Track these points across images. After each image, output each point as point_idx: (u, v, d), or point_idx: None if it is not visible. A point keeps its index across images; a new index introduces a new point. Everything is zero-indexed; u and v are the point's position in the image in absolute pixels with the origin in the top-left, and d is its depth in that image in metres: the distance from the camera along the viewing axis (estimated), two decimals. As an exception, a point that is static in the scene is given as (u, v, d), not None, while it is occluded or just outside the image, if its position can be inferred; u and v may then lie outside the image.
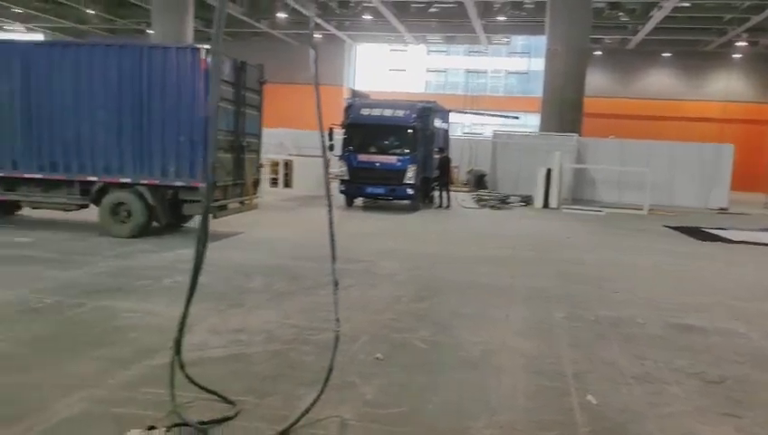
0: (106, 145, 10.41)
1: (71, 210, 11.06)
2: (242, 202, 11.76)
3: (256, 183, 12.29)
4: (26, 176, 10.67)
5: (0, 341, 5.07)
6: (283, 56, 36.97)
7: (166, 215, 10.71)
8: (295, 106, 36.32)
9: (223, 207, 10.98)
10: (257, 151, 12.18)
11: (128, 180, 10.43)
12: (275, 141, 23.05)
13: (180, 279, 7.22)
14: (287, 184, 21.17)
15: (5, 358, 4.73)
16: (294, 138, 25.17)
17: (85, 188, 10.63)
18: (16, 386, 4.23)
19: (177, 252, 9.33)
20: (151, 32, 35.88)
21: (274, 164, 20.72)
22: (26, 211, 11.96)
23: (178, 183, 10.34)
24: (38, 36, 41.00)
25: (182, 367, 3.99)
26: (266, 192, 17.56)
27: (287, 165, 21.27)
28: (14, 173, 10.68)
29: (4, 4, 32.59)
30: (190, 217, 11.14)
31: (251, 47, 36.44)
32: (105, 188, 10.54)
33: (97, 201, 10.65)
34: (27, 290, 6.69)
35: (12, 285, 6.90)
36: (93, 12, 33.60)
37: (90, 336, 5.37)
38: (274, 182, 20.40)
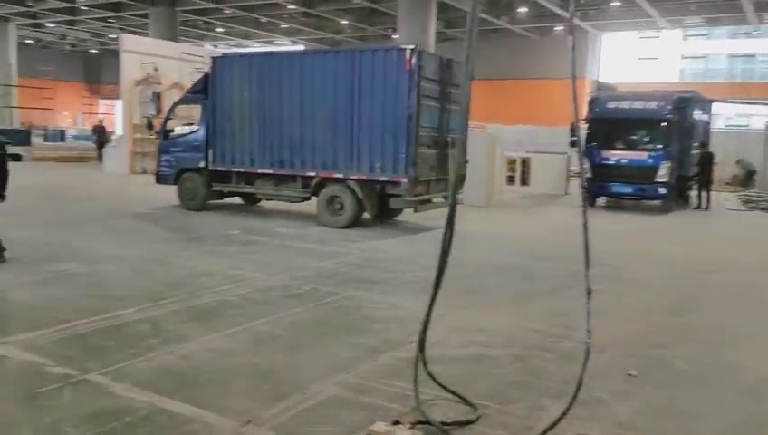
0: (323, 143, 11.32)
1: (295, 202, 12.18)
2: (446, 197, 11.67)
3: (462, 178, 12.30)
4: (260, 171, 12.05)
5: (266, 323, 5.61)
6: (522, 52, 36.46)
7: (374, 208, 11.33)
8: (532, 102, 35.78)
9: (426, 202, 11.39)
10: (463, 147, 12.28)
11: (340, 175, 11.21)
12: (513, 139, 22.72)
13: (421, 275, 7.38)
14: (524, 182, 20.70)
15: (271, 339, 5.22)
16: (531, 134, 24.54)
17: (306, 182, 11.66)
18: (280, 366, 4.63)
19: (417, 248, 9.61)
20: (396, 36, 38.13)
21: (511, 162, 20.39)
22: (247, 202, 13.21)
23: (383, 178, 10.88)
24: (300, 48, 46.01)
25: (425, 364, 4.00)
26: (503, 190, 17.38)
27: (524, 162, 20.80)
28: (251, 169, 12.13)
29: (274, 21, 36.89)
30: (399, 211, 11.79)
31: (489, 44, 36.67)
32: (322, 183, 11.46)
33: (315, 194, 11.61)
34: (288, 277, 7.38)
35: (275, 271, 7.67)
36: (347, 22, 36.43)
37: (343, 323, 5.72)
38: (511, 180, 20.07)
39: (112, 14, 34.71)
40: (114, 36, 35.35)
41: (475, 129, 27.52)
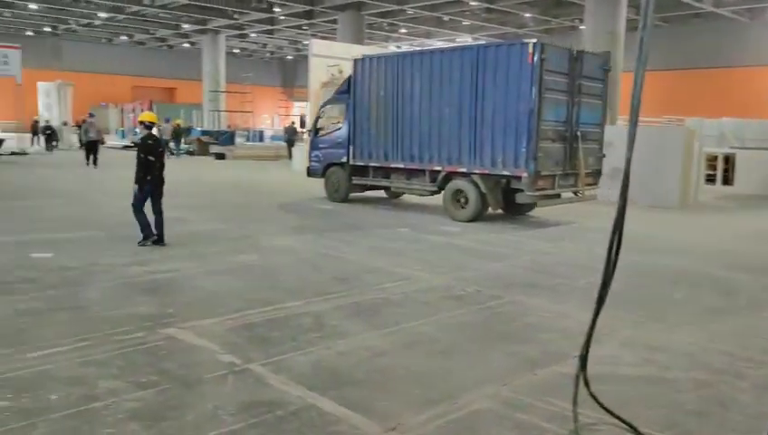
0: (449, 138, 11.69)
1: (425, 195, 12.68)
2: (576, 193, 11.76)
3: (596, 174, 12.00)
4: (393, 166, 12.71)
5: (425, 324, 5.51)
6: (728, 37, 32.72)
7: (498, 202, 11.53)
8: (738, 92, 31.93)
9: (553, 196, 11.51)
10: (598, 141, 12.02)
11: (464, 170, 11.51)
12: (715, 133, 20.47)
13: (596, 281, 6.80)
14: (726, 181, 18.55)
15: (428, 341, 5.10)
16: (737, 128, 21.90)
17: (433, 176, 12.06)
18: (433, 370, 4.49)
19: (595, 252, 8.94)
20: (583, 27, 36.26)
21: (711, 158, 18.38)
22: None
23: (505, 172, 11.02)
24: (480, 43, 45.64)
25: (587, 384, 3.61)
26: (701, 190, 15.70)
27: (727, 159, 18.63)
28: (385, 163, 12.85)
29: (456, 18, 36.94)
30: (530, 206, 11.94)
31: (689, 30, 33.39)
32: (448, 177, 11.81)
33: (442, 188, 11.98)
34: (452, 277, 7.22)
35: (440, 270, 7.55)
36: (530, 15, 35.38)
37: (504, 330, 5.44)
38: (710, 179, 18.08)
39: (305, 21, 37.10)
40: (307, 42, 37.84)
41: (671, 122, 25.31)
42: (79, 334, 4.90)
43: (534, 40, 10.77)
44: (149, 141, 8.55)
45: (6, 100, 32.47)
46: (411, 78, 12.22)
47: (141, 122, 8.84)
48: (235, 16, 37.28)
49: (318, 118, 14.85)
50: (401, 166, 12.57)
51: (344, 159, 13.59)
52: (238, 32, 42.16)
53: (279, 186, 16.55)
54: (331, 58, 22.09)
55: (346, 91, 13.67)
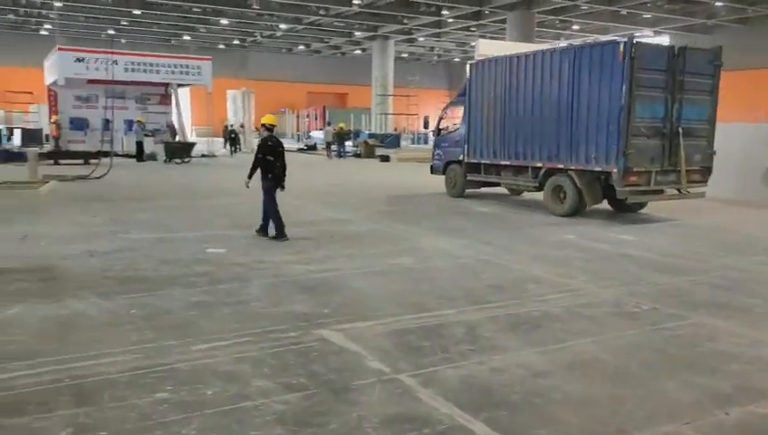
0: (548, 136, 12.15)
1: (530, 191, 13.34)
2: (679, 190, 11.60)
3: (704, 171, 11.81)
4: (501, 163, 13.41)
5: (590, 343, 4.98)
6: None
7: (595, 198, 11.74)
8: None
9: (651, 193, 11.56)
10: (706, 138, 11.75)
11: (561, 166, 11.90)
12: None
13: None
14: None
15: (593, 363, 4.59)
16: None
17: (535, 173, 12.56)
18: (599, 398, 4.00)
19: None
20: (786, 14, 32.14)
21: None
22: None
23: (597, 168, 11.29)
24: (663, 39, 42.18)
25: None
26: None
27: None
28: (494, 161, 13.57)
29: (635, 11, 34.51)
30: (639, 205, 12.27)
31: None
32: (548, 173, 12.25)
33: (543, 184, 12.41)
34: (623, 291, 6.54)
35: (608, 283, 6.89)
36: (722, 4, 32.06)
37: (685, 357, 4.75)
38: None
39: (473, 22, 36.81)
40: (474, 44, 37.62)
41: None
42: (239, 330, 5.05)
43: (626, 39, 10.94)
44: (269, 142, 9.02)
45: (200, 107, 36.06)
46: (516, 79, 12.87)
47: (263, 125, 9.31)
48: (405, 21, 37.96)
49: (440, 119, 15.93)
50: (507, 163, 13.27)
51: (461, 157, 14.45)
52: (407, 36, 42.92)
53: (438, 187, 16.40)
54: (497, 58, 21.54)
55: (464, 94, 14.52)
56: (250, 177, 9.06)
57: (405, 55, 53.36)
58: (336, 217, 11.31)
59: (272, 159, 8.88)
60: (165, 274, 6.85)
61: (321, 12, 35.55)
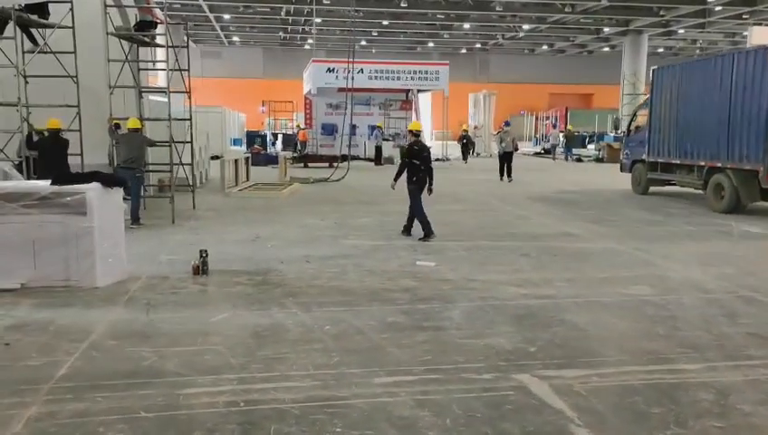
0: (710, 136, 13.01)
1: (699, 189, 13.76)
2: None
3: None
4: (673, 162, 14.45)
5: None
6: None
7: (751, 195, 12.20)
8: None
9: None
10: None
11: (719, 165, 12.69)
12: None
13: None
14: None
15: None
16: None
17: (700, 171, 13.41)
18: None
19: None
20: None
21: None
22: None
23: (747, 166, 11.97)
24: None
25: None
26: None
27: None
28: (667, 159, 14.64)
29: None
30: None
31: None
32: (710, 171, 13.02)
33: (706, 181, 13.17)
34: None
35: None
36: None
37: None
38: None
39: (746, 9, 31.99)
40: (746, 34, 32.61)
41: None
42: (429, 363, 4.50)
43: None
44: (415, 147, 9.46)
45: (440, 111, 36.76)
46: (687, 84, 14.11)
47: (410, 131, 10.09)
48: (662, 13, 34.40)
49: (632, 120, 17.21)
50: (677, 162, 14.30)
51: (644, 157, 15.53)
52: (664, 29, 38.91)
53: (694, 200, 14.21)
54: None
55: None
56: (396, 179, 9.62)
57: (660, 50, 48.64)
58: (563, 231, 10.24)
59: (417, 162, 9.30)
60: (369, 286, 6.59)
61: (567, 9, 33.76)
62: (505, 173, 19.04)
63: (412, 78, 27.95)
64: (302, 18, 37.99)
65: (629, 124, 17.15)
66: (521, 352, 4.75)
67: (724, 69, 12.80)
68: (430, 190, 9.44)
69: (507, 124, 20.88)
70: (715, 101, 12.87)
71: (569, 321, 5.53)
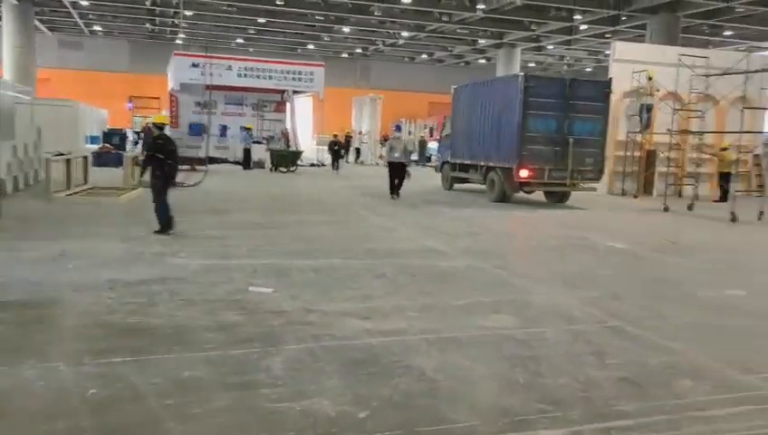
0: (487, 142, 16.32)
1: (482, 184, 17.04)
2: (566, 184, 15.68)
3: (596, 172, 15.76)
4: (467, 162, 17.78)
5: None
6: None
7: (511, 188, 15.83)
8: None
9: (544, 184, 16.01)
10: (599, 148, 15.76)
11: (492, 164, 16.15)
12: None
13: None
14: None
15: None
16: None
17: (482, 170, 16.77)
18: None
19: None
20: None
21: None
22: None
23: (506, 165, 15.56)
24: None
25: None
26: None
27: None
28: (462, 160, 17.97)
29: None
30: (563, 195, 16.61)
31: None
32: (488, 170, 16.43)
33: (485, 178, 16.60)
34: None
35: None
36: None
37: None
38: None
39: (609, 28, 33.52)
40: (608, 53, 34.33)
41: None
42: (219, 444, 3.29)
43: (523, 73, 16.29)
44: (159, 141, 9.32)
45: (324, 115, 35.75)
46: (473, 100, 17.43)
47: (154, 124, 10.24)
48: (533, 27, 35.37)
49: (443, 127, 20.66)
50: (469, 162, 17.49)
51: (448, 158, 18.80)
52: (535, 44, 40.18)
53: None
54: (637, 63, 18.74)
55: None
56: (142, 174, 9.90)
57: (532, 64, 50.41)
58: (428, 247, 9.40)
59: (162, 156, 9.10)
60: (177, 323, 5.24)
61: (444, 18, 33.86)
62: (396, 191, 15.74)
63: (285, 78, 26.67)
64: (171, 10, 35.42)
65: (441, 131, 20.74)
66: (346, 420, 3.64)
67: (495, 89, 16.50)
68: (173, 184, 9.47)
69: (398, 129, 17.49)
70: (489, 115, 16.24)
71: (416, 367, 4.52)
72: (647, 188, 19.26)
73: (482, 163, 16.59)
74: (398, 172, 15.56)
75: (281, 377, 4.26)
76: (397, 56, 51.71)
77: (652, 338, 5.41)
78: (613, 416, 3.84)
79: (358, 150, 33.61)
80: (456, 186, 19.11)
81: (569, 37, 36.82)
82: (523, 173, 14.98)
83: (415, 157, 31.72)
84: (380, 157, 33.05)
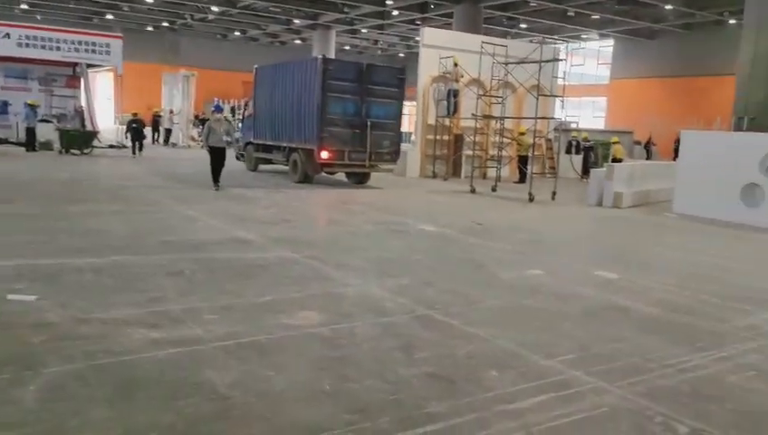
0: (290, 123, 16.20)
1: (286, 165, 16.90)
2: (365, 165, 15.99)
3: (393, 154, 16.26)
4: (270, 143, 17.43)
5: None
6: None
7: (313, 169, 15.93)
8: None
9: (343, 166, 16.08)
10: (394, 131, 16.25)
11: (294, 145, 16.17)
12: None
13: None
14: None
15: None
16: None
17: (285, 151, 16.69)
18: None
19: None
20: (733, 21, 31.26)
21: None
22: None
23: (308, 147, 15.61)
24: (608, 42, 41.11)
25: None
26: None
27: None
28: (266, 141, 17.58)
29: (584, 12, 33.06)
30: (364, 176, 16.80)
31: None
32: (291, 151, 16.39)
33: (288, 159, 16.59)
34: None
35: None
36: (671, 7, 30.88)
37: None
38: None
39: (419, 15, 34.63)
40: (419, 39, 35.54)
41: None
42: None
43: (321, 56, 16.50)
44: None
45: (133, 92, 32.71)
46: (276, 82, 17.14)
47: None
48: (346, 10, 35.43)
49: (245, 108, 20.07)
50: (272, 143, 17.20)
51: (251, 139, 18.33)
52: (349, 27, 40.38)
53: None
54: (444, 49, 19.37)
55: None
56: None
57: (347, 48, 50.79)
58: (235, 237, 8.72)
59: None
60: None
61: (256, -6, 32.66)
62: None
63: (77, 50, 23.79)
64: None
65: (243, 111, 19.85)
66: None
67: (295, 72, 16.20)
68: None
69: (218, 109, 15.81)
70: (291, 96, 16.10)
71: (208, 383, 3.92)
72: (456, 171, 20.06)
73: (285, 144, 16.56)
74: (219, 158, 13.89)
75: (33, 411, 3.44)
76: (208, 32, 49.16)
77: (460, 326, 5.33)
78: (423, 420, 3.58)
79: (168, 131, 31.17)
80: (262, 167, 18.78)
81: (382, 22, 37.48)
82: (324, 155, 15.10)
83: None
84: (192, 139, 31.13)
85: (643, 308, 6.22)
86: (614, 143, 21.48)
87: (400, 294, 6.20)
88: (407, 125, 39.82)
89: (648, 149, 30.18)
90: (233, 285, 6.20)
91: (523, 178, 18.64)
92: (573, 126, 29.73)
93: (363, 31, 42.92)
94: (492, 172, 18.27)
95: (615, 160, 19.34)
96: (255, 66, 18.78)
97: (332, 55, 40.52)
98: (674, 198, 14.09)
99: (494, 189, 16.32)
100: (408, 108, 37.37)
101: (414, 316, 5.54)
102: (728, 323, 5.83)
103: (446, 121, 19.84)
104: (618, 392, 4.12)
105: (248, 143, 18.94)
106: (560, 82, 17.98)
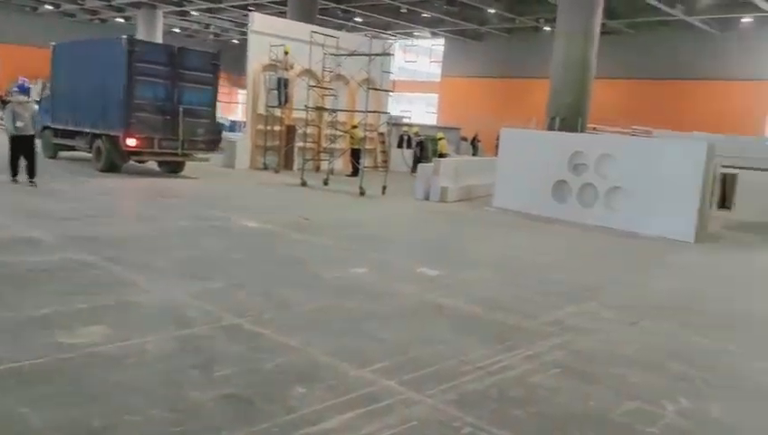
0: (93, 108, 14.89)
1: (89, 152, 15.55)
2: (178, 153, 15.13)
3: (210, 142, 15.67)
4: (70, 128, 15.74)
5: None
6: (700, 48, 31.27)
7: (120, 158, 14.80)
8: (708, 106, 30.29)
9: (157, 154, 15.13)
10: (209, 117, 15.54)
11: (98, 132, 14.86)
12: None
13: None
14: (723, 205, 16.20)
15: None
16: (741, 146, 19.61)
17: (87, 137, 15.31)
18: None
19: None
20: (547, 29, 33.95)
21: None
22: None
23: (113, 133, 14.41)
24: (440, 41, 42.85)
25: None
26: (711, 216, 13.12)
27: (725, 180, 16.26)
28: (66, 126, 15.94)
29: (416, 10, 34.00)
30: (178, 165, 15.92)
31: (657, 37, 31.80)
32: (94, 137, 15.09)
33: (91, 146, 15.24)
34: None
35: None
36: (494, 11, 32.76)
37: None
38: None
39: (252, 1, 33.46)
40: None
41: (639, 133, 23.06)
42: None
43: (126, 36, 14.53)
44: None
45: None
46: (77, 61, 15.80)
47: None
48: (174, -11, 33.32)
49: (43, 89, 17.88)
50: (73, 129, 15.57)
51: (49, 123, 16.23)
52: (178, 8, 38.03)
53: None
54: (274, 37, 18.73)
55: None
56: None
57: (177, 30, 47.96)
58: (22, 237, 7.54)
59: None
60: None
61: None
62: (24, 169, 11.92)
63: None
64: None
65: (41, 93, 17.89)
66: None
67: (100, 51, 15.17)
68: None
69: (22, 90, 15.22)
70: (93, 78, 14.87)
71: None
72: (288, 163, 19.54)
73: (87, 130, 15.13)
74: (24, 147, 11.83)
75: None
76: (15, 4, 43.81)
77: (270, 335, 4.89)
78: (211, 457, 3.10)
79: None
80: (63, 154, 17.02)
81: (213, 5, 35.75)
82: (131, 142, 14.06)
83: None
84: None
85: (462, 306, 6.21)
86: (439, 139, 22.21)
87: (208, 301, 5.62)
88: (240, 114, 38.47)
89: (474, 145, 31.72)
90: (6, 297, 5.24)
91: (355, 172, 18.60)
92: (406, 121, 30.47)
93: (194, 13, 40.71)
94: (325, 165, 18.02)
95: (440, 156, 19.98)
96: (53, 43, 17.00)
97: (160, 38, 38.02)
98: (494, 193, 14.74)
99: (325, 183, 16.07)
100: (242, 96, 36.06)
101: (220, 326, 5.01)
102: (537, 320, 5.97)
103: (277, 112, 19.23)
104: (429, 402, 3.93)
105: (45, 127, 16.52)
106: (391, 77, 18.13)
